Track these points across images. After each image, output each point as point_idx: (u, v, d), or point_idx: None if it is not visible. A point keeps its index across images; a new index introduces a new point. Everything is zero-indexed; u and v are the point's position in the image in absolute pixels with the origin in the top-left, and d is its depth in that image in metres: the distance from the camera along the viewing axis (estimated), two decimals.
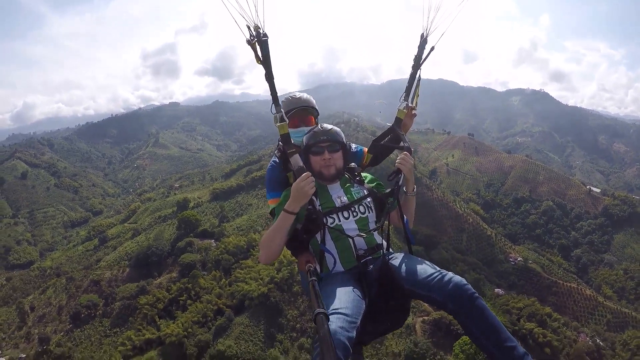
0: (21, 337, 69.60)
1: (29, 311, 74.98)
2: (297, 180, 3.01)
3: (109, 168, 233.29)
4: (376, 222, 3.38)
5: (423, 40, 3.76)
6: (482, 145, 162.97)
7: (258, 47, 3.17)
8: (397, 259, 3.16)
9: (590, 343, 66.83)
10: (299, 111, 3.80)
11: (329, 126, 3.51)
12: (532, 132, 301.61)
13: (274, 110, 3.34)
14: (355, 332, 2.46)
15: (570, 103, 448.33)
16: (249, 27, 3.13)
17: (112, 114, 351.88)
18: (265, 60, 3.20)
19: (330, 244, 3.21)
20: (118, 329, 60.85)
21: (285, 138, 3.37)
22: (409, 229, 3.48)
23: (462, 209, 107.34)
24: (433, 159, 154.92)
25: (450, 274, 2.79)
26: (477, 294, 2.69)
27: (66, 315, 68.30)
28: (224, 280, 63.58)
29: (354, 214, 3.30)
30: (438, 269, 2.89)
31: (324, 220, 3.19)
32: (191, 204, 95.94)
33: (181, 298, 61.42)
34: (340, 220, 3.24)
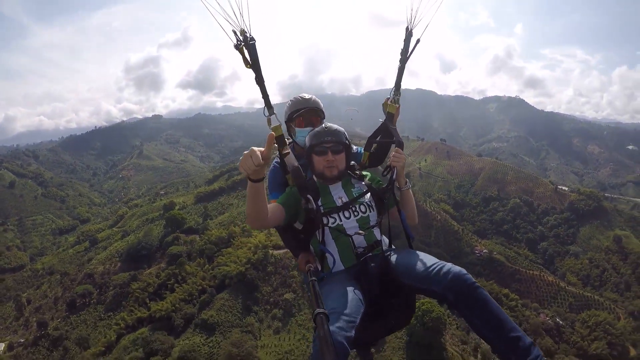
0: (19, 325, 74.51)
1: (26, 304, 79.60)
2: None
3: (94, 179, 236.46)
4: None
5: (408, 34, 3.80)
6: (454, 150, 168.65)
7: (246, 51, 3.21)
8: (396, 254, 3.23)
9: (549, 321, 72.25)
10: (307, 111, 3.90)
11: (334, 126, 3.50)
12: (508, 138, 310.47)
13: (266, 113, 3.35)
14: (354, 332, 2.47)
15: (548, 109, 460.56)
16: (235, 32, 3.16)
17: (95, 127, 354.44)
18: (254, 64, 3.25)
19: (330, 244, 3.26)
20: (112, 313, 66.28)
21: (280, 140, 3.37)
22: (407, 224, 3.51)
23: (432, 207, 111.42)
24: (407, 164, 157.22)
25: (449, 265, 2.77)
26: (477, 284, 2.65)
27: (62, 304, 73.43)
28: (207, 266, 69.52)
29: (355, 213, 3.33)
30: (437, 260, 2.89)
31: (324, 220, 3.26)
32: (177, 207, 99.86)
33: (169, 282, 67.21)
34: (341, 220, 3.29)
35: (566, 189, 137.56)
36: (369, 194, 3.47)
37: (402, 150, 3.61)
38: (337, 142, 3.42)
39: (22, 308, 78.96)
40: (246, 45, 3.19)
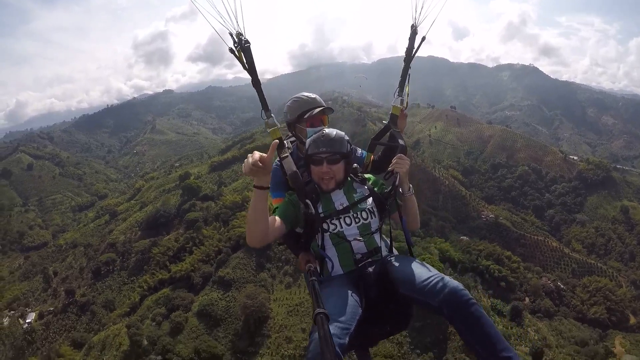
0: (48, 295, 78.60)
1: (53, 276, 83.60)
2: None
3: (109, 156, 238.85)
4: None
5: (413, 32, 3.81)
6: (464, 117, 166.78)
7: (242, 55, 3.24)
8: (395, 262, 3.14)
9: (550, 284, 73.85)
10: (320, 111, 3.82)
11: (333, 133, 3.37)
12: (521, 106, 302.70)
13: (264, 116, 3.40)
14: (348, 339, 2.46)
15: (564, 78, 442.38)
16: (231, 35, 3.19)
17: (106, 105, 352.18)
18: (250, 67, 3.28)
19: (330, 248, 3.23)
20: (135, 277, 70.58)
21: (279, 143, 3.25)
22: (408, 230, 3.46)
23: (441, 173, 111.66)
24: (417, 131, 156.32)
25: (446, 279, 2.73)
26: (473, 300, 2.63)
27: (87, 273, 77.61)
28: (223, 229, 73.61)
29: (357, 220, 3.28)
30: (435, 272, 2.85)
31: (324, 226, 3.22)
32: (192, 177, 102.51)
33: (187, 245, 71.42)
34: (342, 227, 3.24)
35: (576, 158, 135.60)
36: (370, 198, 3.43)
37: (405, 154, 3.54)
38: (334, 152, 3.29)
39: (50, 280, 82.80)
40: (242, 48, 3.26)
